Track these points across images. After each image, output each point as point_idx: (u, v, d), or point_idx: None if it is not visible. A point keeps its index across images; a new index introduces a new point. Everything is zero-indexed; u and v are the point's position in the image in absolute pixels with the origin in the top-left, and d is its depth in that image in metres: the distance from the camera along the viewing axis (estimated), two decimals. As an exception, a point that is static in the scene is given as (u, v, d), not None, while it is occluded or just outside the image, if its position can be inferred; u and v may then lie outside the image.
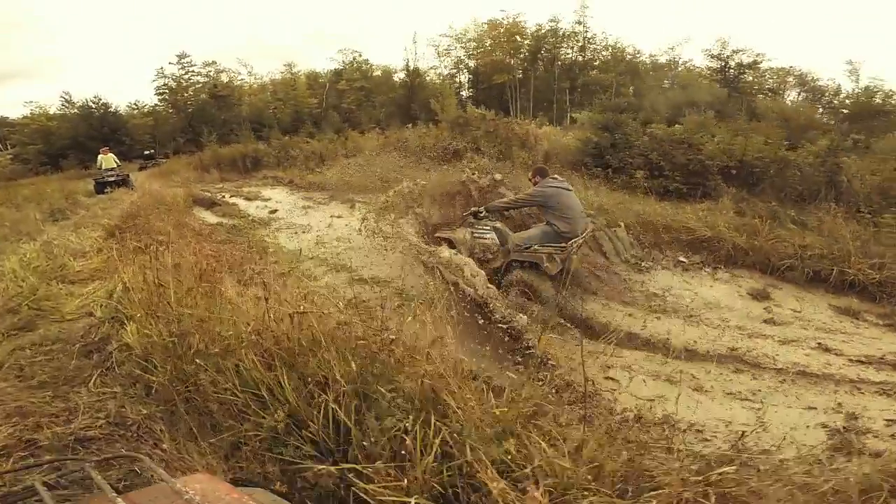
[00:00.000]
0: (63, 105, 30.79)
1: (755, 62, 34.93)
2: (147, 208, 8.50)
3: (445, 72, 40.11)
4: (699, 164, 9.16)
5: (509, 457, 1.68)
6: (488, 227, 5.04)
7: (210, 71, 38.61)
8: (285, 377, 2.30)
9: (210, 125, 30.07)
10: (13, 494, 1.07)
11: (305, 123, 32.29)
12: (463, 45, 38.77)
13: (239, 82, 40.78)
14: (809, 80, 34.35)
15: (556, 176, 4.94)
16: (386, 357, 2.36)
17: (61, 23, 65.77)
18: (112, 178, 14.12)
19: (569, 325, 4.32)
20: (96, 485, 1.00)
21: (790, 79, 35.44)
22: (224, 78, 39.50)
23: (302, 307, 2.55)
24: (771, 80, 35.64)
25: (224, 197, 10.71)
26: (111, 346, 3.36)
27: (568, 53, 37.09)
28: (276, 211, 9.48)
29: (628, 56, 37.11)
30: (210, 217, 8.83)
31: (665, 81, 36.75)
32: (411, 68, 36.93)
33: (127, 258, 6.07)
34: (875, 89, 25.05)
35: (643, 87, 34.50)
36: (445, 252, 4.71)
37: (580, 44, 36.75)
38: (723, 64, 35.54)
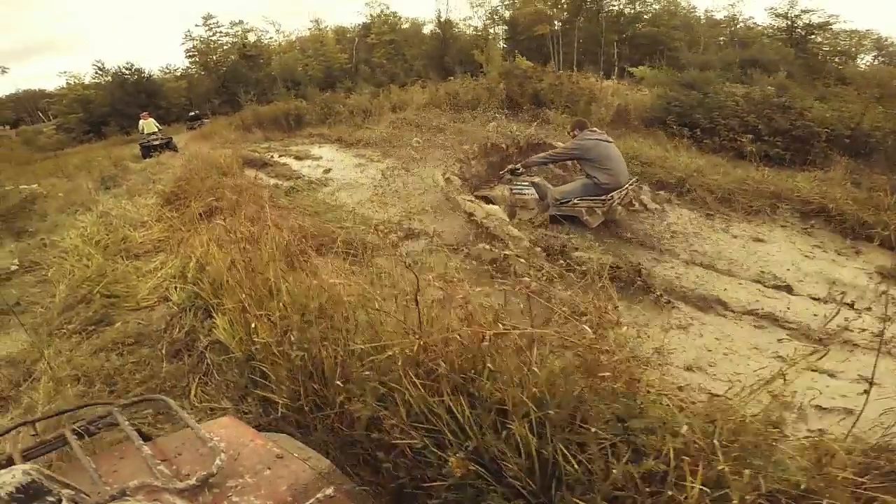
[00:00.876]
0: (97, 73, 30.34)
1: (826, 23, 30.83)
2: (198, 171, 7.86)
3: (479, 23, 37.30)
4: (805, 129, 8.06)
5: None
6: (526, 183, 4.83)
7: (237, 31, 37.28)
8: (463, 405, 1.57)
9: (243, 85, 29.41)
10: (45, 443, 1.07)
11: (340, 79, 31.10)
12: None
13: (267, 41, 39.24)
14: (888, 44, 30.22)
15: (594, 128, 4.68)
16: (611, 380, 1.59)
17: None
18: (156, 142, 14.09)
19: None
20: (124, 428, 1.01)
21: (866, 42, 31.23)
22: (252, 37, 38.11)
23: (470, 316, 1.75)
24: (844, 43, 31.43)
25: (273, 157, 9.97)
26: (200, 342, 2.72)
27: (614, 5, 33.72)
28: (329, 170, 8.70)
29: (682, 10, 33.42)
30: (266, 179, 8.13)
31: (721, 38, 33.36)
32: (443, 20, 34.45)
33: (191, 227, 5.49)
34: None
35: (698, 43, 31.42)
36: (479, 211, 4.45)
37: None
38: (789, 23, 31.69)
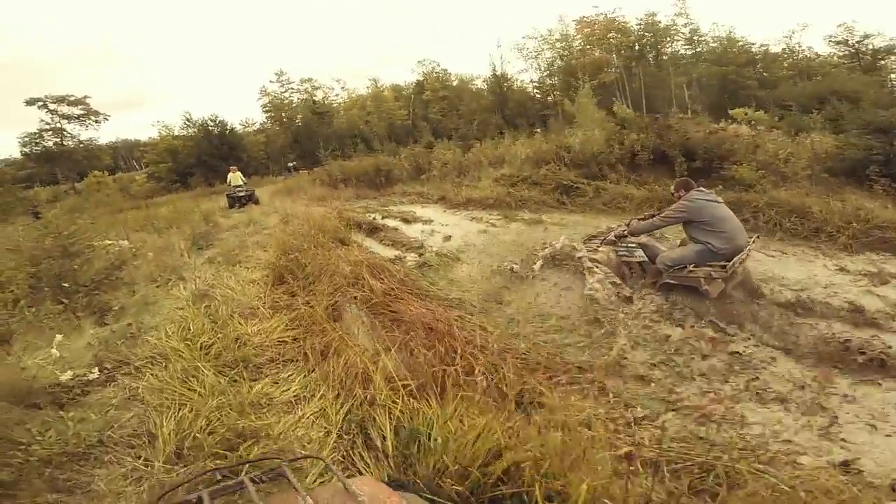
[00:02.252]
0: (185, 124, 31.56)
1: (892, 46, 28.65)
2: (304, 237, 6.50)
3: (536, 76, 36.95)
4: None
5: None
6: (634, 245, 4.46)
7: (307, 87, 38.70)
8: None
9: (317, 140, 29.84)
10: (228, 487, 1.22)
11: (399, 135, 31.05)
12: (550, 45, 35.42)
13: (333, 98, 40.61)
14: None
15: (701, 188, 4.17)
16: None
17: (168, 54, 70.69)
18: (241, 194, 14.35)
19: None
20: (289, 481, 1.14)
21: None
22: (319, 94, 39.51)
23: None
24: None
25: (376, 219, 8.63)
26: None
27: (670, 48, 32.65)
28: (450, 238, 7.16)
29: (739, 45, 31.93)
30: (380, 248, 6.67)
31: (783, 71, 31.33)
32: (499, 74, 34.26)
33: (324, 325, 3.91)
34: None
35: (770, 79, 29.57)
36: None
37: (686, 36, 32.12)
38: (853, 50, 29.56)
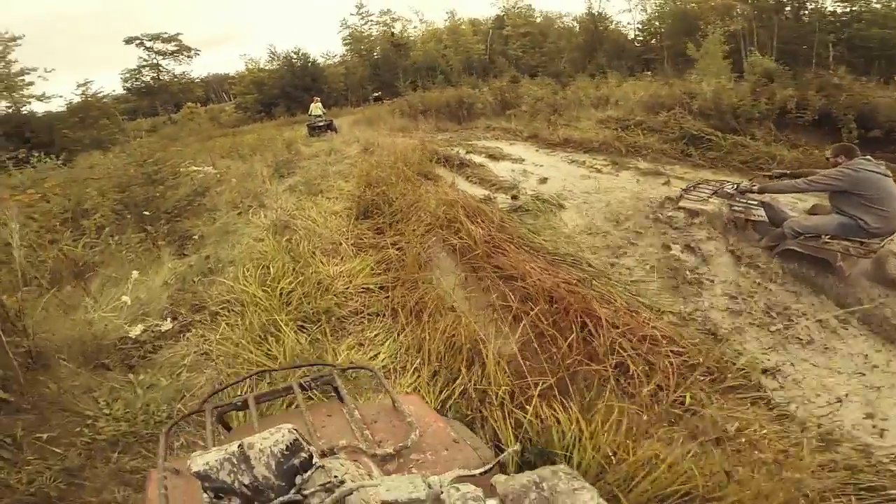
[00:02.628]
0: (270, 57, 31.80)
1: None
2: (388, 168, 5.85)
3: (640, 17, 32.13)
4: None
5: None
6: (756, 202, 3.97)
7: (386, 19, 37.04)
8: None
9: (393, 72, 28.87)
10: (276, 391, 1.18)
11: (477, 70, 29.08)
12: None
13: (412, 30, 38.66)
14: None
15: (868, 157, 3.50)
16: None
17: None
18: (321, 123, 14.29)
19: None
20: (337, 389, 1.09)
21: None
22: (398, 27, 37.70)
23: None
24: None
25: (461, 154, 7.76)
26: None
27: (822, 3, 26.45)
28: (546, 180, 6.18)
29: None
30: (469, 187, 5.87)
31: None
32: (595, 12, 30.21)
33: (414, 273, 3.27)
34: None
35: None
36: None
37: None
38: None
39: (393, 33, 37.46)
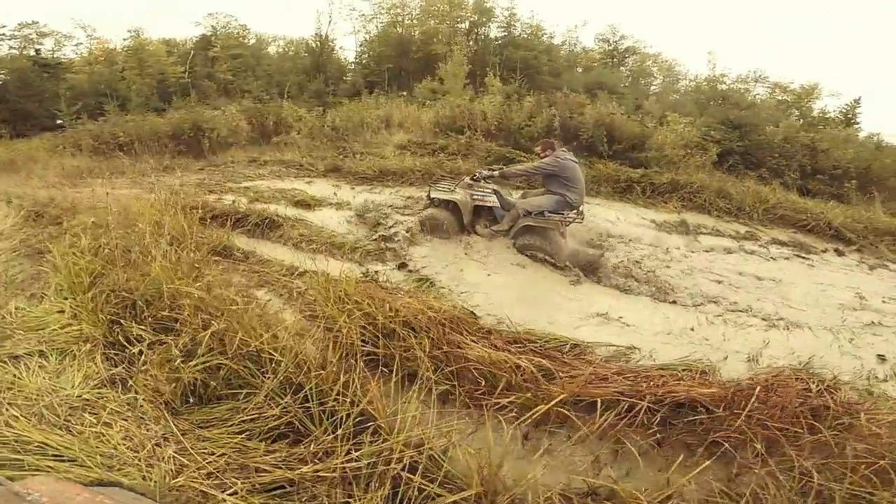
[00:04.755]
0: None
1: (635, 48, 35.57)
2: (120, 251, 2.77)
3: (363, 38, 32.99)
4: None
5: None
6: (489, 190, 4.65)
7: (30, 34, 25.54)
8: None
9: (38, 99, 19.75)
10: None
11: (176, 95, 23.16)
12: (386, 10, 32.34)
13: (76, 48, 28.15)
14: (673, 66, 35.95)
15: (564, 148, 4.65)
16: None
17: None
18: None
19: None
20: None
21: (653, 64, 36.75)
22: (49, 43, 26.68)
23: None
24: (646, 64, 36.57)
25: (246, 204, 4.86)
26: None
27: (487, 29, 33.45)
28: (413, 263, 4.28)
29: (543, 34, 34.73)
30: (307, 259, 3.37)
31: (561, 62, 35.56)
32: (324, 35, 29.43)
33: None
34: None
35: (554, 68, 32.67)
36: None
37: (504, 19, 32.99)
38: (611, 48, 35.65)
39: (38, 51, 25.98)
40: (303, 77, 27.48)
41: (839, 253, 5.55)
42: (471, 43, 31.79)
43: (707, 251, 5.10)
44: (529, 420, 1.97)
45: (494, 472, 1.65)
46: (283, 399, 1.89)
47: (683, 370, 2.36)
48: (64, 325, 2.38)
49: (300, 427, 1.84)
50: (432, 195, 4.60)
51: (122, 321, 2.34)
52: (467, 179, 4.73)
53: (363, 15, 31.65)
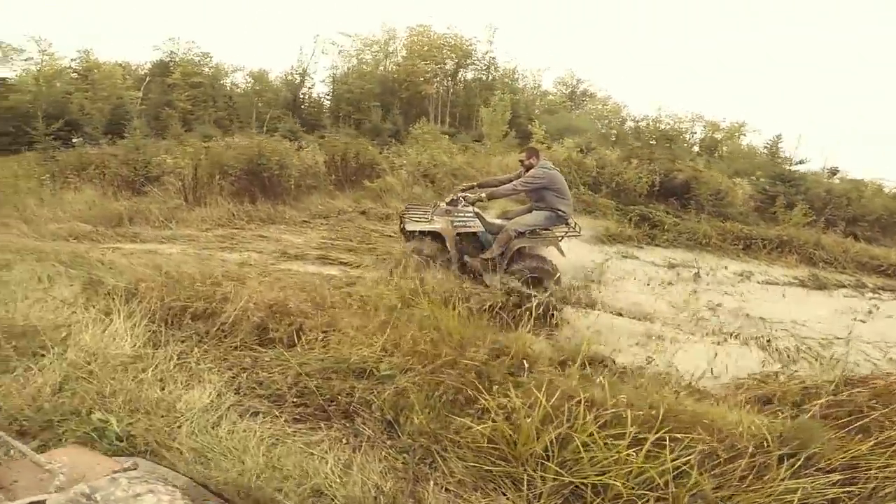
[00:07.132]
0: None
1: (593, 93, 37.84)
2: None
3: (340, 74, 32.10)
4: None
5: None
6: (471, 214, 4.10)
7: None
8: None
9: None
10: None
11: (129, 121, 20.44)
12: (371, 50, 31.98)
13: (24, 63, 24.53)
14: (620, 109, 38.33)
15: (544, 159, 4.28)
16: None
17: None
18: None
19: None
20: None
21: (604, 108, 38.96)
22: None
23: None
24: (599, 107, 38.81)
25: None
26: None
27: (468, 72, 34.11)
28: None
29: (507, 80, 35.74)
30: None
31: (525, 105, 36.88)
32: (302, 69, 28.49)
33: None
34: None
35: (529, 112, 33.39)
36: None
37: (486, 64, 33.59)
38: (571, 91, 37.73)
39: (-36, 60, 22.00)
40: (279, 111, 26.02)
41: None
42: (457, 85, 32.38)
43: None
44: None
45: None
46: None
47: None
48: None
49: None
50: (407, 227, 4.03)
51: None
52: (443, 205, 4.15)
53: (342, 52, 31.17)
